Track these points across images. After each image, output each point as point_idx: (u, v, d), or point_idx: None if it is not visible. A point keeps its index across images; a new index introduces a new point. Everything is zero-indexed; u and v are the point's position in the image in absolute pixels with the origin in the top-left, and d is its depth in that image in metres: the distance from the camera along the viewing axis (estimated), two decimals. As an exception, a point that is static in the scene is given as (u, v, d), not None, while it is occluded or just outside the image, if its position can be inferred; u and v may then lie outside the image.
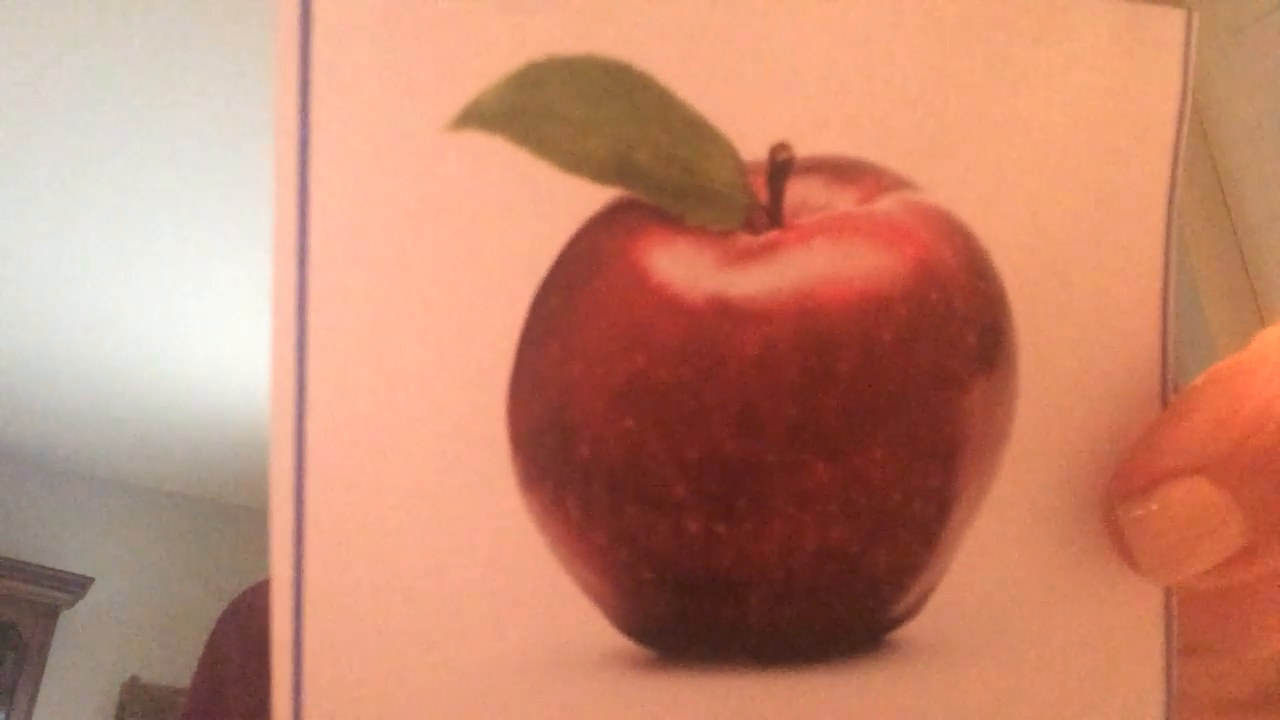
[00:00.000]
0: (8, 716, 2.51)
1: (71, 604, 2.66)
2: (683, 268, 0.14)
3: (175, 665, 2.66)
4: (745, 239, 0.14)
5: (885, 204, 0.14)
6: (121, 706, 2.69)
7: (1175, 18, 0.15)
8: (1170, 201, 0.16)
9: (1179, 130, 0.16)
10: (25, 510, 2.79)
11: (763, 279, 0.14)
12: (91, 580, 2.67)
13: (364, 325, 0.14)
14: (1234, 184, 1.22)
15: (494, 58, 0.14)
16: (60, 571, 2.65)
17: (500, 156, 0.14)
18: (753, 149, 0.14)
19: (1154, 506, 0.14)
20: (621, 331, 0.14)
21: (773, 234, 0.14)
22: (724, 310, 0.14)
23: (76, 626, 2.69)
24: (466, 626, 0.14)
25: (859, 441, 0.14)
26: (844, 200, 0.14)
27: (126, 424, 2.65)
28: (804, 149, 0.14)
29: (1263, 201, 1.18)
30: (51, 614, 2.63)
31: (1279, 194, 1.16)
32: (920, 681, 0.15)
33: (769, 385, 0.14)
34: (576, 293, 0.14)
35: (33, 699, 2.56)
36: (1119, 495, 0.15)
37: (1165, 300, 0.16)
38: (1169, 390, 0.16)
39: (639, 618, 0.15)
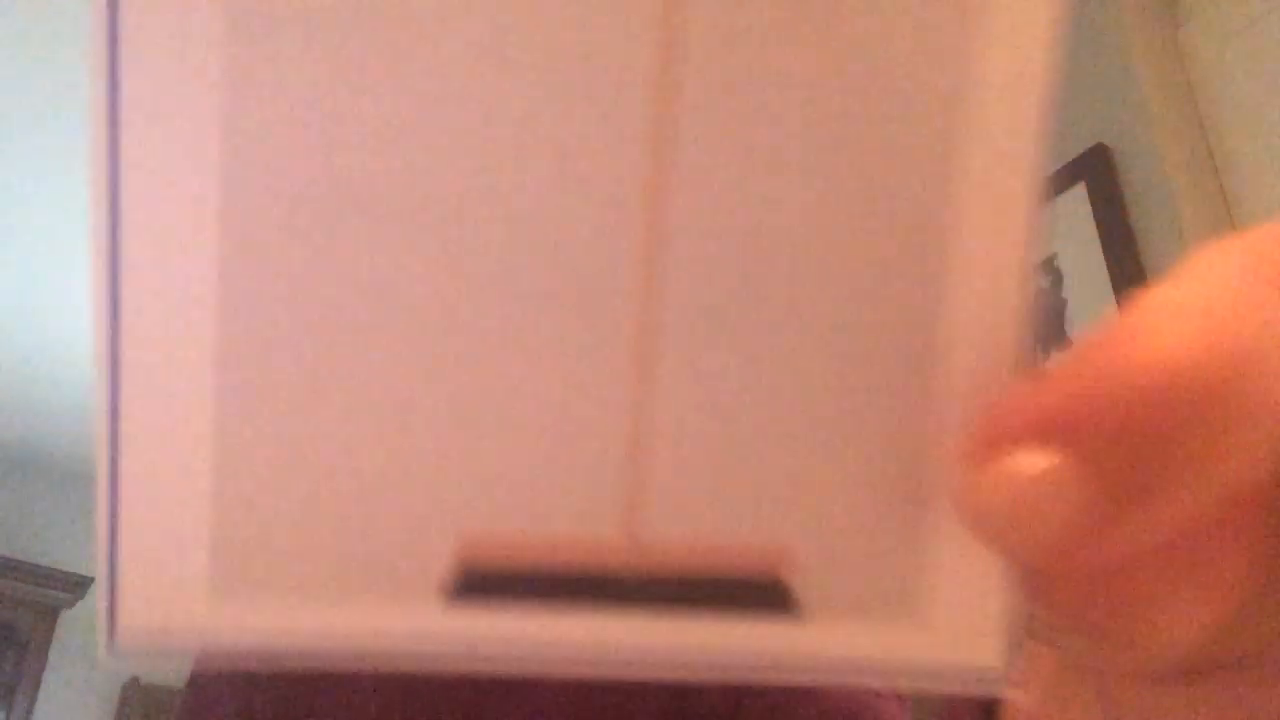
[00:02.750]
0: (8, 716, 2.51)
1: (71, 604, 2.66)
2: None
3: (175, 665, 2.65)
4: None
5: None
6: (121, 706, 2.69)
7: None
8: (1039, 179, 0.16)
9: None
10: (25, 510, 2.79)
11: None
12: (92, 580, 2.66)
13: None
14: (1234, 183, 1.22)
15: None
16: (60, 571, 2.65)
17: None
18: None
19: (1000, 477, 0.13)
20: None
21: None
22: None
23: (76, 626, 2.69)
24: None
25: None
26: None
27: (126, 424, 2.64)
28: None
29: (1263, 201, 1.18)
30: (51, 614, 2.63)
31: (1279, 194, 1.16)
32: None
33: None
34: None
35: (33, 699, 2.56)
36: (964, 465, 0.14)
37: (1029, 273, 0.16)
38: (1026, 364, 0.15)
39: None
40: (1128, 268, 1.17)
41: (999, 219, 0.15)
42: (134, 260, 0.15)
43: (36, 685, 2.57)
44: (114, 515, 0.16)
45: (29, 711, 2.55)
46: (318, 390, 0.15)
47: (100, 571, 0.16)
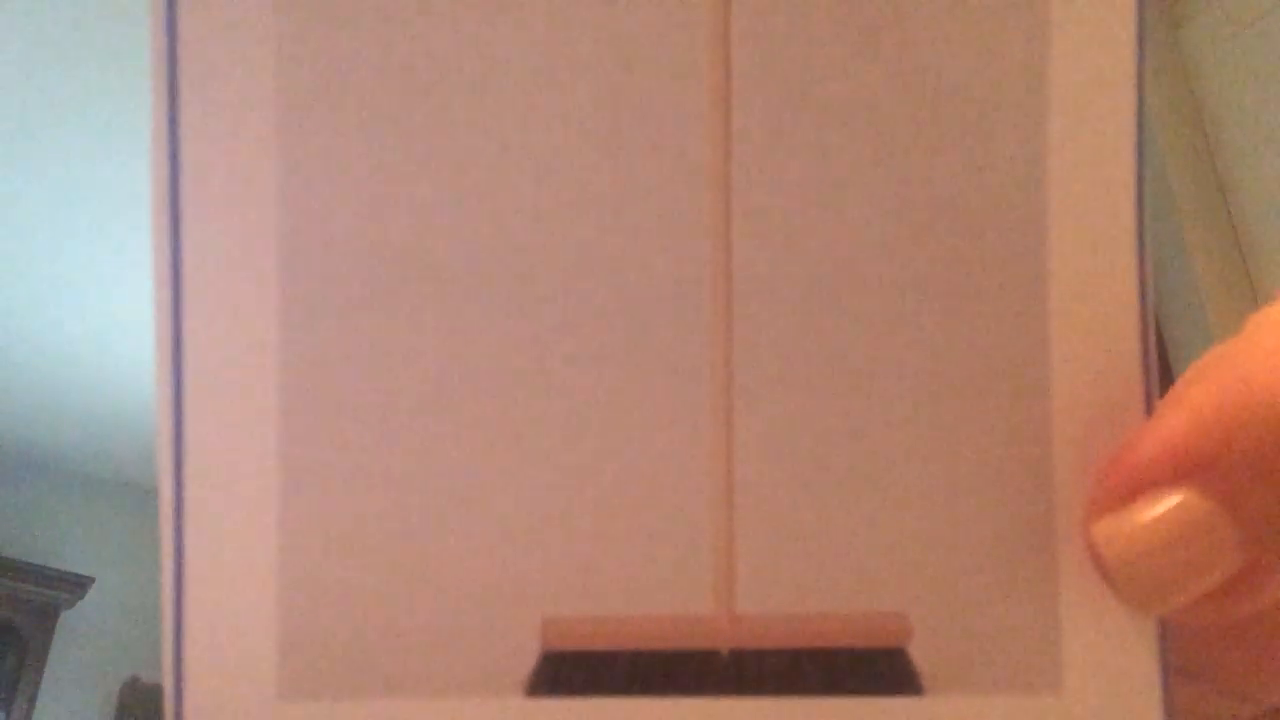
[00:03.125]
0: (8, 716, 2.51)
1: (71, 604, 2.66)
2: None
3: None
4: None
5: None
6: (121, 706, 2.69)
7: None
8: (1139, 190, 0.14)
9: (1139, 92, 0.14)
10: (25, 510, 2.79)
11: None
12: (91, 580, 2.67)
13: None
14: (1234, 184, 1.22)
15: None
16: (60, 571, 2.65)
17: None
18: None
19: (1132, 524, 0.12)
20: None
21: None
22: None
23: (76, 626, 2.69)
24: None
25: None
26: None
27: (127, 424, 2.65)
28: None
29: (1263, 201, 1.18)
30: (51, 614, 2.63)
31: (1279, 194, 1.16)
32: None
33: None
34: None
35: (33, 699, 2.56)
36: (1094, 512, 0.13)
37: (1143, 297, 0.14)
38: (1153, 398, 0.14)
39: None
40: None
41: (1101, 235, 0.14)
42: (195, 343, 0.14)
43: (36, 685, 2.57)
44: (179, 618, 0.14)
45: (29, 711, 2.55)
46: (385, 472, 0.14)
47: (166, 681, 0.14)
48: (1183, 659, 0.14)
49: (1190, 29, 1.31)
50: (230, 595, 0.14)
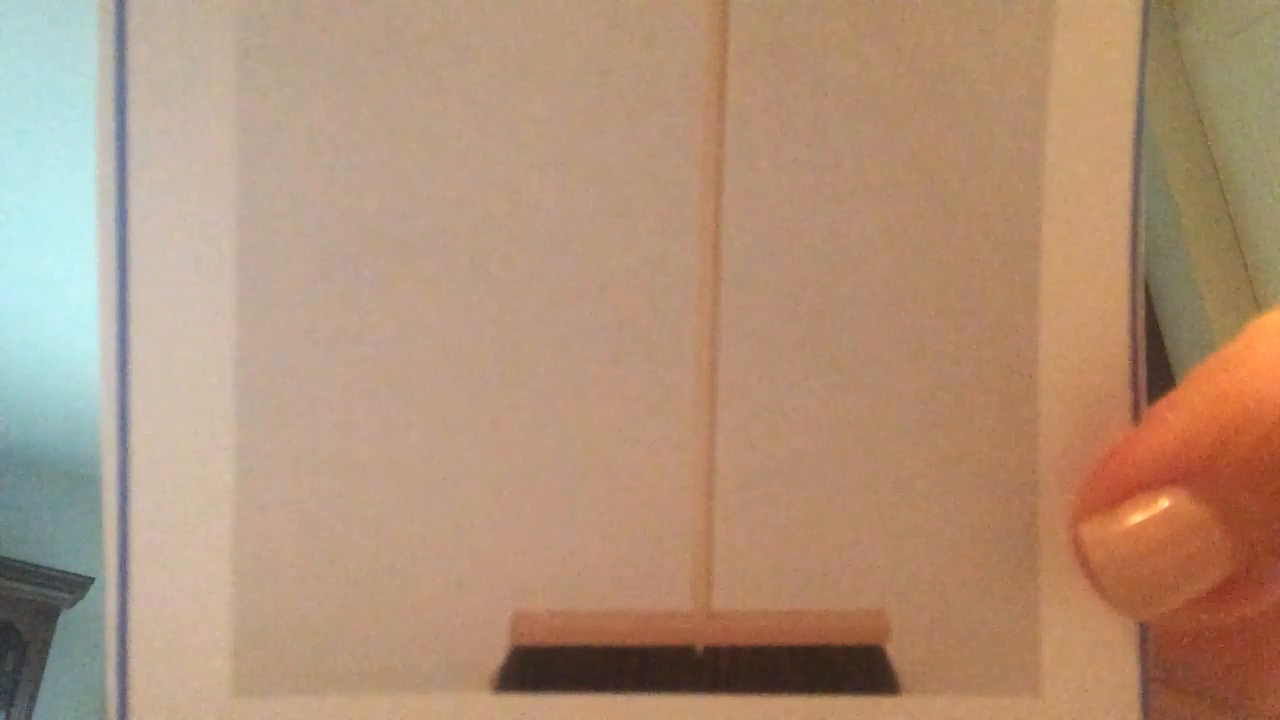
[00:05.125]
0: (8, 716, 2.51)
1: (71, 604, 2.66)
2: None
3: None
4: None
5: None
6: (121, 706, 2.69)
7: None
8: (1135, 189, 0.14)
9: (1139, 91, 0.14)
10: (25, 510, 2.78)
11: None
12: (91, 580, 2.66)
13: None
14: (1234, 184, 1.22)
15: None
16: (60, 571, 2.65)
17: None
18: None
19: (1122, 526, 0.12)
20: None
21: None
22: None
23: (76, 626, 2.69)
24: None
25: None
26: None
27: (126, 424, 2.64)
28: None
29: (1263, 201, 1.18)
30: (51, 614, 2.62)
31: (1279, 194, 1.16)
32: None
33: None
34: None
35: (33, 699, 2.55)
36: (1082, 513, 0.13)
37: (1134, 299, 0.13)
38: (1141, 400, 0.13)
39: None
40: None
41: (1095, 236, 0.13)
42: (143, 320, 0.13)
43: (36, 685, 2.57)
44: (124, 609, 0.13)
45: (29, 712, 2.55)
46: (347, 459, 0.13)
47: (110, 679, 0.13)
48: (1164, 664, 0.14)
49: (1190, 29, 1.31)
50: (181, 585, 0.13)
